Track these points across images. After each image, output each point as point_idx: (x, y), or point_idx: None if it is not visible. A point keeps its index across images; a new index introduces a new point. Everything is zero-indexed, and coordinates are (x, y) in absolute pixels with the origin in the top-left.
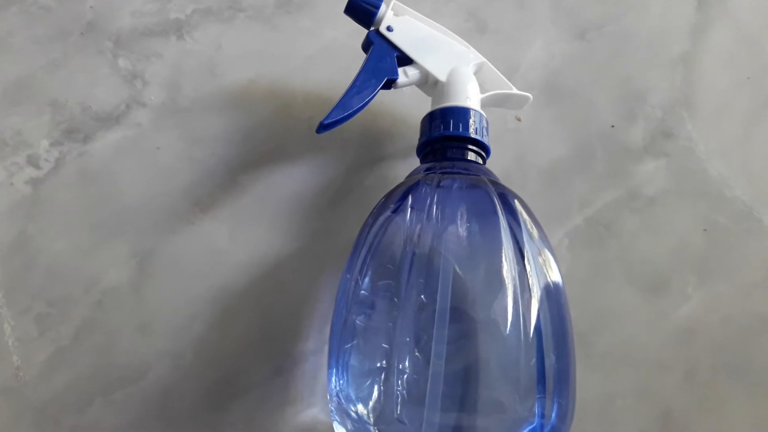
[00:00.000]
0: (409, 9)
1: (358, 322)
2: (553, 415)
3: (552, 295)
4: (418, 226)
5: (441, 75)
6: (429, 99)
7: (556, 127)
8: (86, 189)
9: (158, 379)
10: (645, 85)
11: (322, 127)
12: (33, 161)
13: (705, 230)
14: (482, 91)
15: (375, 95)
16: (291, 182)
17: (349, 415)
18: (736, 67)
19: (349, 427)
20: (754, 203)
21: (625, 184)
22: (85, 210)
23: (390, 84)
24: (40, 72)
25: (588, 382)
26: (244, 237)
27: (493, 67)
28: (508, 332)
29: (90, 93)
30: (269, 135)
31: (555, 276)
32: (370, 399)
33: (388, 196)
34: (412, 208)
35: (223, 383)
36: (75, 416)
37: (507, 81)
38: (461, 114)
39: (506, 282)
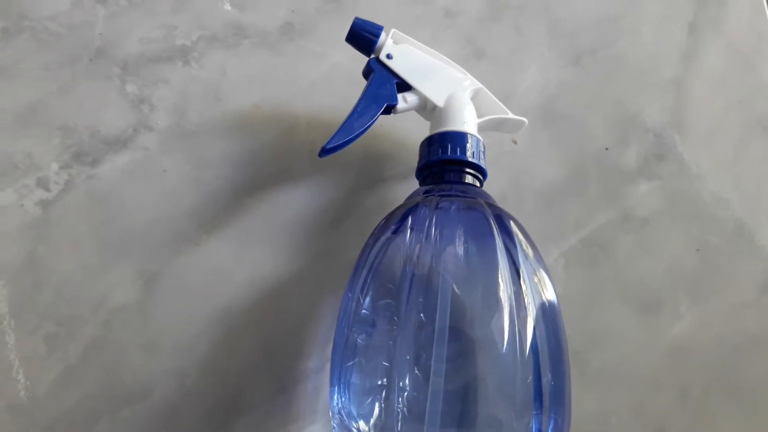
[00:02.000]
0: (408, 37)
1: (359, 340)
2: (550, 431)
3: (547, 313)
4: (417, 247)
5: (439, 101)
6: (427, 123)
7: (552, 150)
8: (94, 211)
9: (164, 397)
10: (638, 108)
11: (325, 152)
12: (43, 184)
13: (698, 250)
14: (479, 115)
15: (375, 120)
16: (294, 204)
17: (350, 431)
18: (727, 90)
19: None
20: (746, 223)
21: (619, 206)
22: (93, 231)
23: (390, 109)
24: (49, 97)
25: (582, 400)
26: (247, 258)
27: (490, 93)
28: (504, 350)
29: (98, 117)
30: (273, 158)
31: (550, 295)
32: (372, 416)
33: (389, 217)
34: (411, 229)
35: (228, 401)
36: None
37: (503, 106)
38: (459, 138)
39: (502, 301)
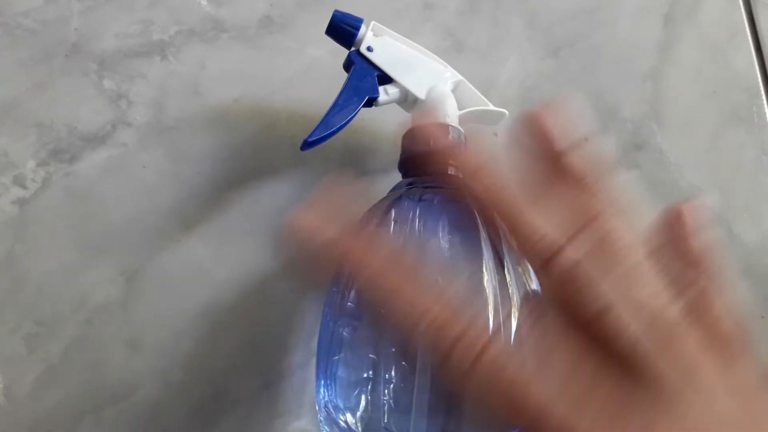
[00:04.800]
0: (388, 30)
1: (345, 333)
2: None
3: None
4: (402, 239)
5: (420, 93)
6: (408, 116)
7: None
8: (73, 208)
9: (148, 395)
10: (616, 99)
11: (306, 145)
12: (19, 181)
13: None
14: (460, 107)
15: (357, 113)
16: (276, 199)
17: (338, 425)
18: (703, 81)
19: None
20: (724, 212)
21: None
22: (73, 229)
23: (371, 102)
24: (25, 94)
25: None
26: (230, 253)
27: (470, 85)
28: None
29: (75, 114)
30: (254, 153)
31: (534, 284)
32: (358, 408)
33: (372, 210)
34: (395, 221)
35: (212, 398)
36: None
37: (483, 98)
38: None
39: (486, 292)
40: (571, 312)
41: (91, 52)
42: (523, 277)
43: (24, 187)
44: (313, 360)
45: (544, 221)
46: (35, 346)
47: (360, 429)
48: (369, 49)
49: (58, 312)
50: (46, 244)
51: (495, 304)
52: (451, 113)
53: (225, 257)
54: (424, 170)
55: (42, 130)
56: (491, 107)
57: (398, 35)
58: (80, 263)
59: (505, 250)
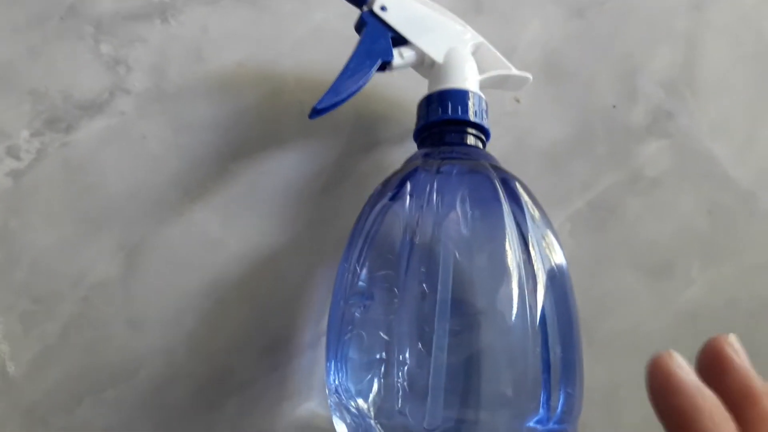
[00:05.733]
0: None
1: (356, 313)
2: (560, 405)
3: (557, 279)
4: (418, 214)
5: (438, 56)
6: (425, 81)
7: (556, 108)
8: (70, 180)
9: (150, 376)
10: (646, 62)
11: (315, 112)
12: (13, 152)
13: (709, 212)
14: (480, 71)
15: (369, 78)
16: (283, 169)
17: (348, 410)
18: (738, 43)
19: (349, 422)
20: (759, 183)
21: (627, 166)
22: (70, 202)
23: (385, 66)
24: (18, 60)
25: (591, 369)
26: (235, 227)
27: (491, 47)
28: (513, 322)
29: (71, 80)
30: (259, 121)
31: (559, 259)
32: (371, 392)
33: (385, 183)
34: (410, 195)
35: (218, 379)
36: (64, 416)
37: (506, 61)
38: (460, 96)
39: (510, 270)
40: None
41: (88, 15)
42: (548, 251)
43: (18, 158)
44: (323, 339)
45: None
46: (32, 324)
47: (372, 414)
48: (383, 8)
49: (55, 289)
50: (41, 218)
51: (520, 281)
52: (471, 78)
53: (230, 231)
54: (442, 140)
55: (36, 97)
56: (514, 71)
57: None
58: (78, 238)
59: (529, 224)
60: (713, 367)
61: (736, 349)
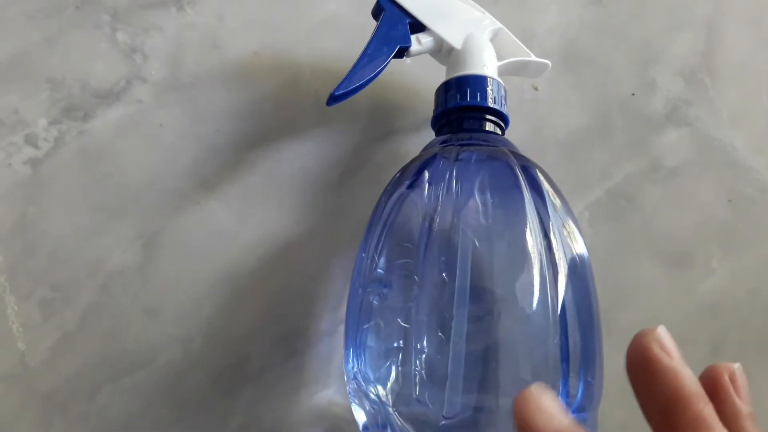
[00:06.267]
0: None
1: (374, 301)
2: (579, 393)
3: (578, 268)
4: (437, 202)
5: (456, 42)
6: (442, 69)
7: (575, 96)
8: (88, 169)
9: (168, 363)
10: (665, 50)
11: (333, 99)
12: (31, 141)
13: (729, 201)
14: (499, 58)
15: (387, 64)
16: (299, 158)
17: (367, 397)
18: (759, 28)
19: (368, 409)
20: None
21: (646, 155)
22: (87, 191)
23: (402, 52)
24: (35, 48)
25: (610, 359)
26: (252, 216)
27: (510, 33)
28: (533, 310)
29: (88, 69)
30: (276, 109)
31: (580, 248)
32: (389, 380)
33: (403, 171)
34: (429, 183)
35: (235, 367)
36: (83, 403)
37: (525, 48)
38: (478, 83)
39: (531, 258)
40: None
41: (104, 4)
42: (569, 240)
43: (36, 146)
44: (341, 327)
45: None
46: (50, 312)
47: (391, 401)
48: None
49: (73, 277)
50: (59, 207)
51: (541, 270)
52: (490, 64)
53: (246, 220)
54: (460, 126)
55: (53, 86)
56: (533, 58)
57: None
58: (95, 226)
59: (550, 212)
60: (639, 369)
61: (663, 346)
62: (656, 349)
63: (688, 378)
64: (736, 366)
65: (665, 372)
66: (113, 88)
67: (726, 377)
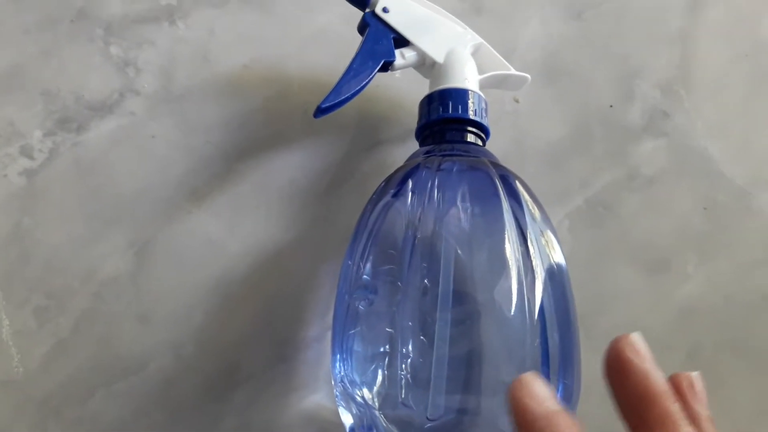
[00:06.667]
0: None
1: (360, 307)
2: (558, 395)
3: (555, 275)
4: (419, 210)
5: (438, 56)
6: (426, 82)
7: (555, 108)
8: (81, 179)
9: (160, 369)
10: (643, 63)
11: (320, 111)
12: (26, 152)
13: (705, 209)
14: (480, 72)
15: (372, 78)
16: (288, 169)
17: (354, 400)
18: (734, 43)
19: (354, 412)
20: (754, 180)
21: (624, 164)
22: (81, 200)
23: (387, 66)
24: (30, 61)
25: (590, 363)
26: (242, 225)
27: (491, 48)
28: (512, 314)
29: (82, 82)
30: (265, 121)
31: (558, 257)
32: (375, 383)
33: (388, 180)
34: (412, 192)
35: (226, 372)
36: (77, 408)
37: (505, 62)
38: (460, 95)
39: (509, 264)
40: None
41: (97, 18)
42: (547, 249)
43: (31, 157)
44: (329, 333)
45: None
46: (45, 319)
47: (377, 404)
48: (385, 10)
49: (67, 285)
50: (54, 216)
51: (518, 275)
52: (471, 78)
53: (237, 229)
54: (443, 138)
55: (48, 98)
56: (513, 72)
57: None
58: (89, 235)
59: (528, 221)
60: (614, 370)
61: (636, 350)
62: (629, 352)
63: (657, 378)
64: (695, 374)
65: (637, 373)
66: (107, 101)
67: (685, 384)
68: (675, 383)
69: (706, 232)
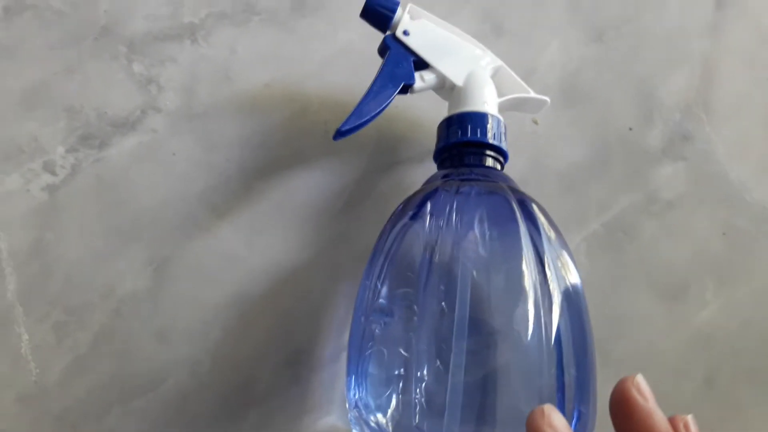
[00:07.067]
0: (426, 12)
1: (376, 330)
2: (574, 423)
3: (572, 299)
4: (438, 234)
5: (458, 79)
6: (445, 103)
7: (574, 130)
8: (103, 195)
9: (176, 386)
10: (663, 86)
11: (339, 134)
12: (49, 168)
13: (724, 234)
14: (499, 94)
15: (392, 100)
16: (307, 187)
17: (368, 425)
18: (755, 66)
19: None
20: None
21: (643, 188)
22: (102, 216)
23: (407, 89)
24: (54, 78)
25: (606, 390)
26: (260, 243)
27: (510, 71)
28: (528, 341)
29: (105, 99)
30: (285, 140)
31: (574, 279)
32: (389, 408)
33: (406, 202)
34: (431, 215)
35: (241, 390)
36: (94, 424)
37: (524, 84)
38: (479, 119)
39: (527, 290)
40: None
41: (121, 35)
42: (564, 272)
43: (54, 173)
44: (344, 354)
45: None
46: (64, 335)
47: (390, 429)
48: (405, 33)
49: (87, 301)
50: (75, 232)
51: (536, 301)
52: (490, 101)
53: (255, 247)
54: (461, 161)
55: (72, 114)
56: (532, 94)
57: (436, 18)
58: (109, 251)
59: (545, 245)
60: (619, 409)
61: (641, 390)
62: (634, 393)
63: (659, 418)
64: (690, 416)
65: (640, 412)
66: (129, 118)
67: (681, 425)
68: (673, 424)
69: (724, 258)
